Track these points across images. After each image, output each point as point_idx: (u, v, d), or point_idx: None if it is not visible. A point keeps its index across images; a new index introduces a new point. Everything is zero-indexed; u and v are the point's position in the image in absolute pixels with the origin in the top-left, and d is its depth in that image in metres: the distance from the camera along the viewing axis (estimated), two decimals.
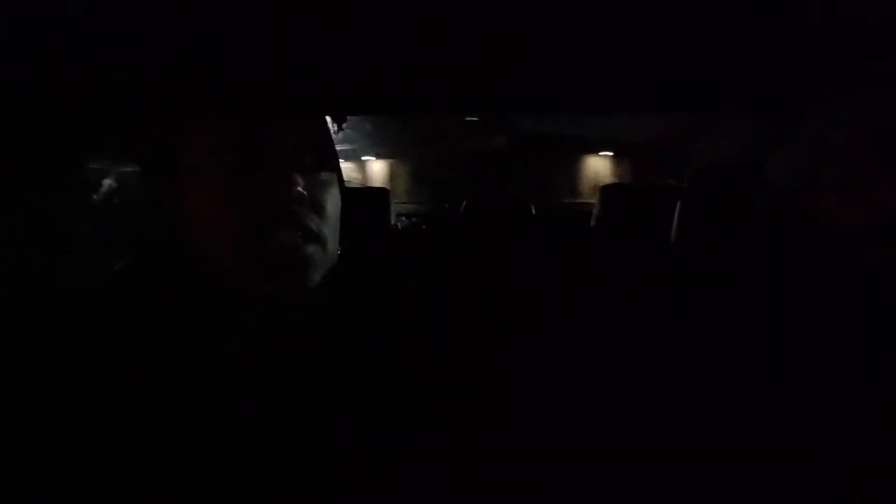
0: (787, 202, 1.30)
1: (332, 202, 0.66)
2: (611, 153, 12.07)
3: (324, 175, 0.65)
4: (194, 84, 0.59)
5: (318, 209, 0.63)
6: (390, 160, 14.50)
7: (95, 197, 0.67)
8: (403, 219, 3.03)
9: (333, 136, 0.79)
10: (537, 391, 1.35)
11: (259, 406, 0.63)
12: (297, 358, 0.66)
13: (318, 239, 0.62)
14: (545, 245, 2.51)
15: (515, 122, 8.92)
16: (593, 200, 2.93)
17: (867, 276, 1.09)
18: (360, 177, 15.49)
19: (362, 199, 2.58)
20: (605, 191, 2.60)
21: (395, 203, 2.77)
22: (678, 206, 1.68)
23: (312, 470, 0.62)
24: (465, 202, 2.70)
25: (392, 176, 14.29)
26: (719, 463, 1.10)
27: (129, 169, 0.64)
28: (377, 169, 14.89)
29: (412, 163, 13.58)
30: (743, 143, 1.98)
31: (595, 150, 12.10)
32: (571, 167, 12.25)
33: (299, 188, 0.59)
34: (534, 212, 2.63)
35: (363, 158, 15.26)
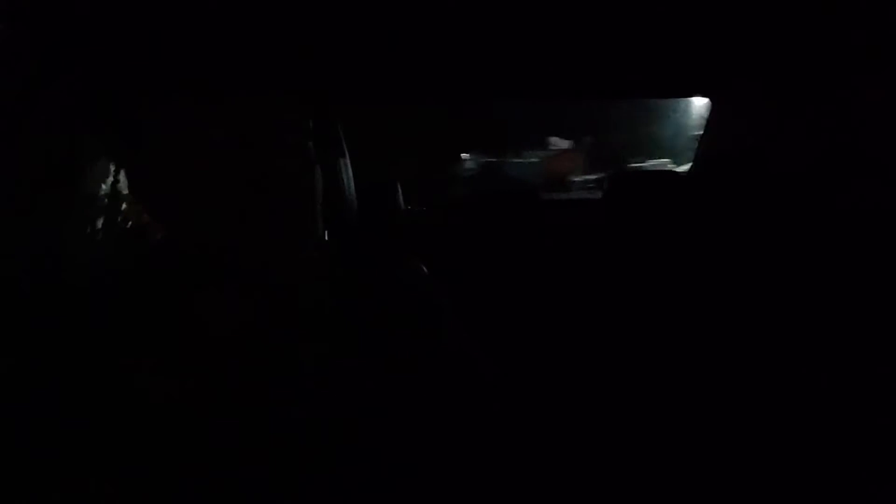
0: (795, 190, 1.28)
1: (310, 179, 0.67)
2: None
3: (301, 154, 0.66)
4: (201, 78, 0.61)
5: (294, 185, 0.64)
6: None
7: (93, 192, 0.73)
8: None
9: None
10: (537, 393, 1.26)
11: (256, 404, 0.64)
12: (295, 355, 0.66)
13: (296, 212, 0.64)
14: (551, 237, 2.30)
15: None
16: None
17: (872, 266, 1.06)
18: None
19: (369, 190, 2.54)
20: (613, 179, 2.39)
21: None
22: (686, 194, 1.69)
23: (311, 470, 0.62)
24: (469, 193, 2.51)
25: None
26: (719, 463, 1.11)
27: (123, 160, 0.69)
28: None
29: None
30: (752, 131, 1.91)
31: None
32: None
33: (277, 165, 0.61)
34: (541, 200, 2.43)
35: None
